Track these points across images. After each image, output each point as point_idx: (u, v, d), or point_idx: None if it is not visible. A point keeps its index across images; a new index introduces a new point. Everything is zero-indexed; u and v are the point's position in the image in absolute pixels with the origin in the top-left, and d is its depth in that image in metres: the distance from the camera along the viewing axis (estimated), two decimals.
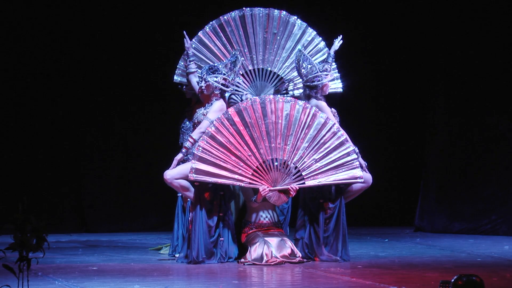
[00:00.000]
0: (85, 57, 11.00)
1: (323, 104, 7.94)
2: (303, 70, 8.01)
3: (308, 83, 8.00)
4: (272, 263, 7.43)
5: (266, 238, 7.60)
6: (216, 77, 7.82)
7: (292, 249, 7.61)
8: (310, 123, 7.68)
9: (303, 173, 7.64)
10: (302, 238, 7.80)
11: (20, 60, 10.86)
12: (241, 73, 8.25)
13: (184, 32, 8.17)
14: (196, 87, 8.05)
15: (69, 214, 11.09)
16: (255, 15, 8.32)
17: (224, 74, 7.84)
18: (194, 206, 7.63)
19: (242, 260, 7.59)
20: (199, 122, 7.78)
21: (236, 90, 8.25)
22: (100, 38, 11.02)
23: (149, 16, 11.07)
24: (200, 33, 8.31)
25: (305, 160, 7.64)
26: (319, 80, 7.98)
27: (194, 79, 8.16)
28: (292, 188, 7.61)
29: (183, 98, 8.64)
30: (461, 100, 10.65)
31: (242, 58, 8.16)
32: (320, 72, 7.98)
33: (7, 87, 10.85)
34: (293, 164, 7.63)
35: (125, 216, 11.28)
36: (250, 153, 7.61)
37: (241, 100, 8.09)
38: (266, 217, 7.83)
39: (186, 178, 7.61)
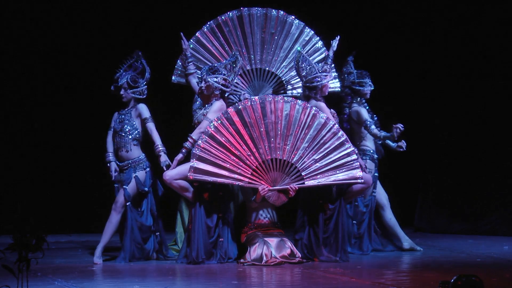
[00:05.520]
0: (85, 57, 10.99)
1: (322, 105, 7.92)
2: (302, 71, 8.00)
3: (307, 84, 7.99)
4: (271, 264, 7.43)
5: (265, 238, 7.59)
6: (216, 77, 7.80)
7: (291, 250, 7.60)
8: (310, 123, 7.67)
9: (303, 173, 7.63)
10: (301, 239, 7.79)
11: (19, 61, 10.86)
12: (239, 73, 8.25)
13: (181, 33, 8.16)
14: (196, 88, 8.05)
15: (69, 214, 11.07)
16: (253, 15, 8.32)
17: (224, 75, 7.82)
18: (194, 206, 7.62)
19: (242, 260, 7.58)
20: (199, 123, 7.77)
21: (234, 90, 8.24)
22: (100, 39, 11.01)
23: (148, 17, 11.06)
24: (198, 33, 8.31)
25: (304, 160, 7.63)
26: (318, 81, 7.97)
27: (193, 80, 8.15)
28: (291, 188, 7.60)
29: (181, 99, 8.62)
30: (461, 99, 10.65)
31: (240, 58, 8.17)
32: (320, 73, 7.97)
33: (8, 88, 10.85)
34: (293, 164, 7.62)
35: None
36: (249, 153, 7.60)
37: (239, 100, 8.09)
38: (266, 217, 7.83)
39: (185, 178, 7.60)
